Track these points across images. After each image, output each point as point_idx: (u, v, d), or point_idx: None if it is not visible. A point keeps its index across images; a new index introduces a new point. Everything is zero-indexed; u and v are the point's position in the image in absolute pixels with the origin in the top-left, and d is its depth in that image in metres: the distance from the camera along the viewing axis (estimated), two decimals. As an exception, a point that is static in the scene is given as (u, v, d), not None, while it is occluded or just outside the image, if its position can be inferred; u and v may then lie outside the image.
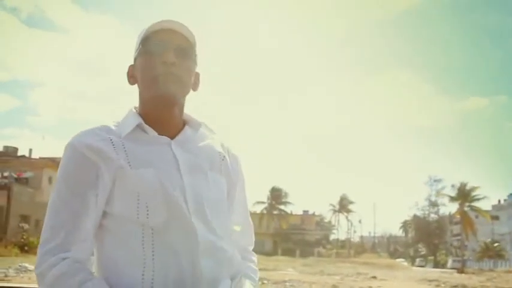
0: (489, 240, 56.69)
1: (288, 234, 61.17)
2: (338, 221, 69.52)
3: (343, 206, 67.61)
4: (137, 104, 1.26)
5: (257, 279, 1.33)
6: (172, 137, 1.21)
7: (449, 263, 50.45)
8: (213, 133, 1.32)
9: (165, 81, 1.17)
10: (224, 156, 1.29)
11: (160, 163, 1.15)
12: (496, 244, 55.84)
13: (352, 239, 71.09)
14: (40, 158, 31.71)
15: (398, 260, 55.46)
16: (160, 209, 1.10)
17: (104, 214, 1.14)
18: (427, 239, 64.74)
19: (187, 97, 1.26)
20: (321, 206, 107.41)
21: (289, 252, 51.43)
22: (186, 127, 1.26)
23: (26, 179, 28.11)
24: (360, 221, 74.68)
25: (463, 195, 49.16)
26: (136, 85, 1.26)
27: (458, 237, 54.60)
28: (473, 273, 32.27)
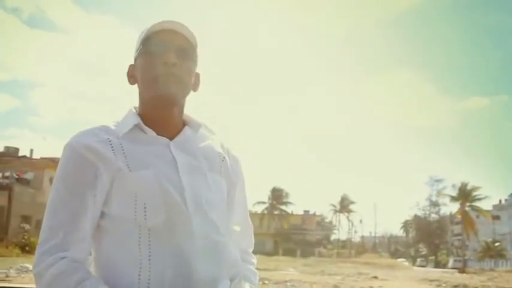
0: (490, 240, 56.67)
1: (288, 235, 61.14)
2: (339, 221, 69.54)
3: (344, 206, 67.55)
4: (137, 104, 1.26)
5: (256, 282, 1.33)
6: (171, 138, 1.21)
7: (450, 263, 50.40)
8: (213, 134, 1.32)
9: (165, 81, 1.17)
10: (224, 157, 1.29)
11: (159, 164, 1.15)
12: (497, 244, 55.81)
13: (353, 239, 71.08)
14: (41, 158, 31.73)
15: (399, 260, 55.41)
16: (158, 209, 1.10)
17: (102, 215, 1.14)
18: (428, 239, 64.70)
19: (188, 97, 1.25)
20: (322, 206, 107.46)
21: (290, 252, 51.41)
22: (186, 128, 1.26)
23: (27, 179, 28.13)
24: (360, 221, 74.54)
25: (464, 195, 49.09)
26: (136, 85, 1.25)
27: (459, 237, 54.53)
28: (474, 273, 32.27)
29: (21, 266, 14.00)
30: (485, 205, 52.58)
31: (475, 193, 49.34)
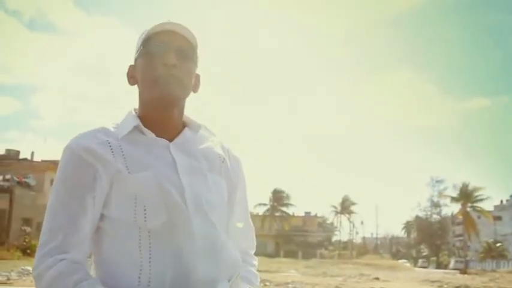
0: (491, 240, 56.65)
1: (290, 236, 61.10)
2: (340, 222, 69.59)
3: (345, 207, 67.55)
4: (137, 105, 1.26)
5: (257, 283, 1.32)
6: (171, 139, 1.20)
7: (452, 264, 50.32)
8: (213, 135, 1.32)
9: (165, 82, 1.16)
10: (224, 159, 1.28)
11: (158, 165, 1.14)
12: (498, 244, 55.81)
13: (354, 240, 71.14)
14: (42, 161, 31.75)
15: (400, 261, 55.38)
16: (159, 210, 1.10)
17: (102, 217, 1.14)
18: (429, 239, 64.61)
19: (188, 98, 1.25)
20: (323, 208, 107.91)
21: (291, 254, 51.36)
22: (186, 129, 1.26)
23: (28, 182, 28.13)
24: (362, 222, 74.59)
25: (465, 195, 49.09)
26: (136, 86, 1.25)
27: (461, 238, 54.48)
28: (476, 273, 32.19)
29: (22, 269, 13.99)
30: (487, 206, 52.67)
31: (476, 194, 49.36)
